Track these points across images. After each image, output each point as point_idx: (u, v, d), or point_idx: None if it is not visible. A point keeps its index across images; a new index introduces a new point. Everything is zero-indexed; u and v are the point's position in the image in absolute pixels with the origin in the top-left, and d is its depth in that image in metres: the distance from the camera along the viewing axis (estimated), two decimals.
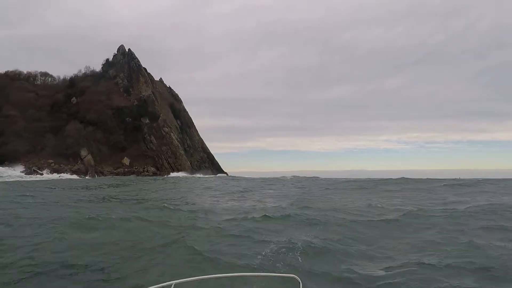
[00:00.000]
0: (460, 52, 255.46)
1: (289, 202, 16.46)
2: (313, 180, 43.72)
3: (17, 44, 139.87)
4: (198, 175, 70.91)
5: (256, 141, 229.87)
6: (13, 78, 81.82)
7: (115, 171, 69.93)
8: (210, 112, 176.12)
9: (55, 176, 58.11)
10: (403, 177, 39.37)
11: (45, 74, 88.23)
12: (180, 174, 70.68)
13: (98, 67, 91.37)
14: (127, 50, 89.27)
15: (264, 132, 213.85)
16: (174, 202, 16.88)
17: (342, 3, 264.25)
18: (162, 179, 53.52)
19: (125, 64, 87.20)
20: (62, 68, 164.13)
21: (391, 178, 38.77)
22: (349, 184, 31.49)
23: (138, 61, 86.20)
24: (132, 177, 56.82)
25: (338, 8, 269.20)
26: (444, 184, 28.50)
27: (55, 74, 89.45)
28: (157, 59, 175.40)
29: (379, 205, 15.38)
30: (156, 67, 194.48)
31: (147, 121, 79.55)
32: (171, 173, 71.61)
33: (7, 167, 58.92)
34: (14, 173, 55.12)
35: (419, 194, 21.92)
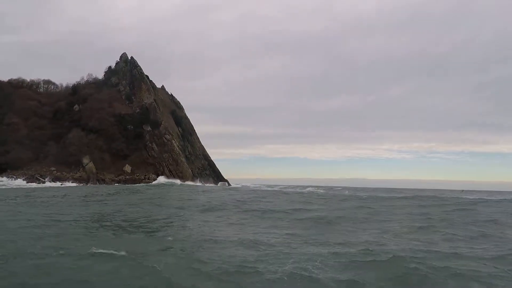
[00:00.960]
0: (462, 63, 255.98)
1: None
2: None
3: (19, 49, 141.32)
4: (198, 183, 70.61)
5: (256, 148, 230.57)
6: (16, 86, 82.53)
7: (116, 179, 70.19)
8: (211, 119, 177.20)
9: (58, 184, 58.35)
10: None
11: (47, 82, 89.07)
12: (170, 180, 67.65)
13: (100, 74, 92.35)
14: (129, 58, 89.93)
15: (264, 139, 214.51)
16: None
17: (344, 14, 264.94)
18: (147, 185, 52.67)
19: (127, 71, 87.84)
20: (64, 75, 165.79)
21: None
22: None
23: (141, 68, 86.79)
24: (124, 185, 55.84)
25: (340, 19, 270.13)
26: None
27: (57, 81, 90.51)
28: (158, 66, 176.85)
29: None
30: (157, 74, 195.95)
31: (149, 128, 79.88)
32: (154, 180, 68.34)
33: (10, 175, 59.32)
34: (15, 182, 55.37)
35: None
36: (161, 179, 69.50)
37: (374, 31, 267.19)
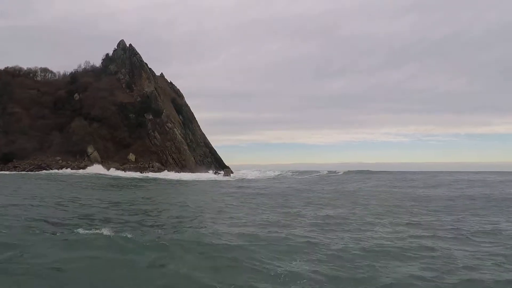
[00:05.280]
0: (463, 45, 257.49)
1: None
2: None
3: (9, 35, 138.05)
4: (186, 174, 61.27)
5: (255, 134, 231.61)
6: (14, 74, 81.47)
7: (121, 167, 70.66)
8: (209, 104, 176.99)
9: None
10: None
11: (45, 70, 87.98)
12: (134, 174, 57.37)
13: (96, 61, 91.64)
14: (127, 45, 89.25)
15: (264, 125, 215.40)
16: None
17: None
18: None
19: (126, 59, 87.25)
20: (59, 62, 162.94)
21: None
22: None
23: (140, 56, 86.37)
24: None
25: (341, 0, 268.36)
26: None
27: (53, 69, 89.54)
28: (156, 52, 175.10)
29: None
30: (154, 61, 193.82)
31: (151, 117, 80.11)
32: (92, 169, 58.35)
33: (16, 165, 59.43)
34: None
35: None
36: (94, 168, 60.94)
37: (375, 13, 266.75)
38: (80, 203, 17.59)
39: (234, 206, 18.67)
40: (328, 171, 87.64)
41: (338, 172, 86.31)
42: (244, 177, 67.25)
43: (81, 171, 58.92)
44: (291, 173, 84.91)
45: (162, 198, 23.24)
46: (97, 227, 11.06)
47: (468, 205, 20.29)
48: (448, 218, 15.59)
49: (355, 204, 20.52)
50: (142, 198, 22.14)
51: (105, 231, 9.93)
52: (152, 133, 78.77)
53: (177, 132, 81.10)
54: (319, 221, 13.75)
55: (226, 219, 14.19)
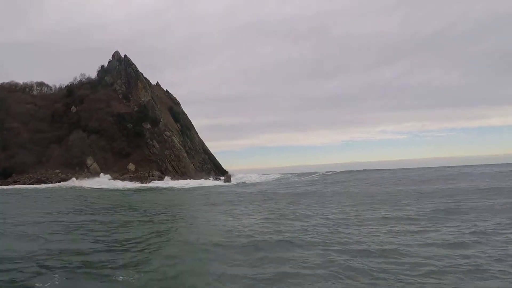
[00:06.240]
0: (455, 38, 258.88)
1: None
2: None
3: (4, 51, 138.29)
4: (188, 181, 60.74)
5: (251, 138, 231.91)
6: (10, 90, 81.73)
7: (121, 177, 70.62)
8: (204, 110, 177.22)
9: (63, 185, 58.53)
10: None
11: (41, 84, 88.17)
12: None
13: (91, 72, 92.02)
14: (122, 56, 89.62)
15: (259, 129, 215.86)
16: None
17: None
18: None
19: (122, 70, 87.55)
20: (55, 75, 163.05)
21: None
22: None
23: (135, 66, 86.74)
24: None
25: (331, 1, 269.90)
26: None
27: (49, 82, 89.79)
28: (150, 60, 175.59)
29: None
30: (149, 68, 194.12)
31: (148, 126, 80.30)
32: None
33: (16, 179, 59.32)
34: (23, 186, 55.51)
35: None
36: (94, 180, 58.59)
37: (367, 11, 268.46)
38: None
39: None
40: (326, 171, 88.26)
41: (336, 171, 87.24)
42: (247, 181, 67.25)
43: (80, 183, 58.70)
44: (290, 175, 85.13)
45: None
46: None
47: None
48: None
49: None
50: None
51: None
52: (151, 142, 78.91)
53: (175, 140, 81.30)
54: None
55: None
